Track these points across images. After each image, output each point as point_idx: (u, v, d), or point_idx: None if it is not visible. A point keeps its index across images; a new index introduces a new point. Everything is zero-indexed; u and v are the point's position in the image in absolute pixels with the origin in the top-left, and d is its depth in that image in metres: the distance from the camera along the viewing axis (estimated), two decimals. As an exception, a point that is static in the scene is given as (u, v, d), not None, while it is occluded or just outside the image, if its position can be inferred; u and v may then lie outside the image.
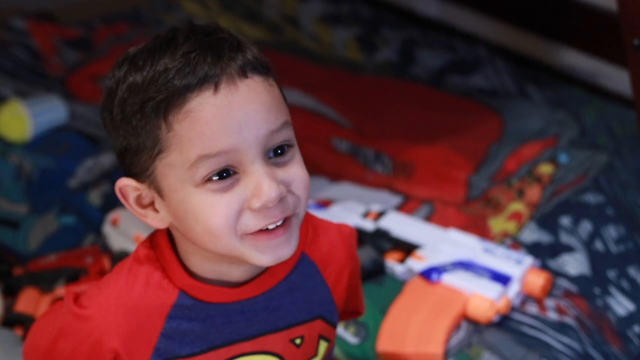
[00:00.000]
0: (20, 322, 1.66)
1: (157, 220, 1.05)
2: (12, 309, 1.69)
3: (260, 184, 0.98)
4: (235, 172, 0.99)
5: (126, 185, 1.04)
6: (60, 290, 1.72)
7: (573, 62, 2.44)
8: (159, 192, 1.02)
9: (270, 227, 1.00)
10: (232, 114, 0.97)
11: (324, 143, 2.20)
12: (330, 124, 2.28)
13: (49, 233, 1.93)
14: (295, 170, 1.02)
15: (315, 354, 1.15)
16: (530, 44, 2.54)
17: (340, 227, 1.19)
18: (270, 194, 0.98)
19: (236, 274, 1.07)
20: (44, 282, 1.73)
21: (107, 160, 2.12)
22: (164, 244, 1.07)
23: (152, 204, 1.04)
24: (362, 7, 2.81)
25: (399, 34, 2.65)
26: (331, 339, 1.18)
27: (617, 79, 2.31)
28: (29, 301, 1.69)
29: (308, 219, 1.14)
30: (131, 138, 1.00)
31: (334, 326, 1.17)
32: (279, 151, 1.01)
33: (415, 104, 2.35)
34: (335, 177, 2.09)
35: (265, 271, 1.09)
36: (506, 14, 2.56)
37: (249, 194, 0.99)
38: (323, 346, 1.16)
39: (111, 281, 1.07)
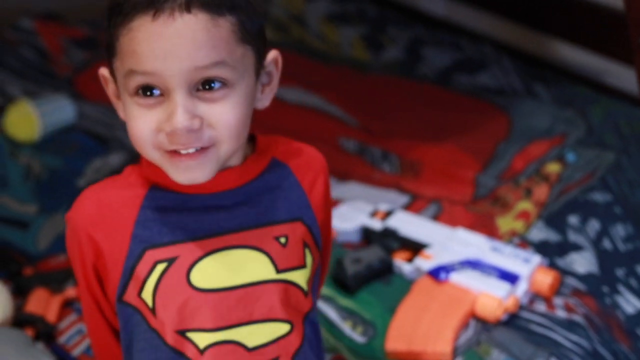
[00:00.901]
0: (30, 322, 1.67)
1: (121, 111, 1.14)
2: (22, 309, 1.69)
3: (174, 111, 1.06)
4: (161, 94, 1.07)
5: (105, 75, 1.15)
6: (71, 290, 1.73)
7: (580, 61, 2.44)
8: (117, 89, 1.13)
9: (182, 151, 1.07)
10: (161, 42, 1.05)
11: (331, 142, 2.21)
12: (337, 123, 2.28)
13: (58, 233, 1.94)
14: (220, 109, 1.07)
15: (304, 264, 1.20)
16: (537, 42, 2.54)
17: (313, 149, 1.25)
18: (179, 123, 1.05)
19: None
20: (54, 282, 1.74)
21: (115, 160, 2.12)
22: (142, 160, 1.16)
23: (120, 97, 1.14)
24: (368, 6, 2.82)
25: (406, 32, 2.66)
26: (314, 257, 1.21)
27: (624, 77, 2.31)
28: (39, 301, 1.70)
29: (284, 141, 1.22)
30: (105, 36, 1.11)
31: (316, 240, 1.21)
32: (207, 86, 1.07)
33: (422, 103, 2.35)
34: (343, 176, 2.09)
35: (237, 167, 1.15)
36: (512, 13, 2.56)
37: (165, 116, 1.07)
38: (309, 258, 1.20)
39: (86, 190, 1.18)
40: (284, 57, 1.19)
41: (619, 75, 2.34)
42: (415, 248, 1.81)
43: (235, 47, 1.08)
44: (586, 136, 2.16)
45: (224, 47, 1.07)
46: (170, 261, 1.13)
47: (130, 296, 1.14)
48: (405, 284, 1.76)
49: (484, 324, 1.69)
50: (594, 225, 1.90)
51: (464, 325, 1.68)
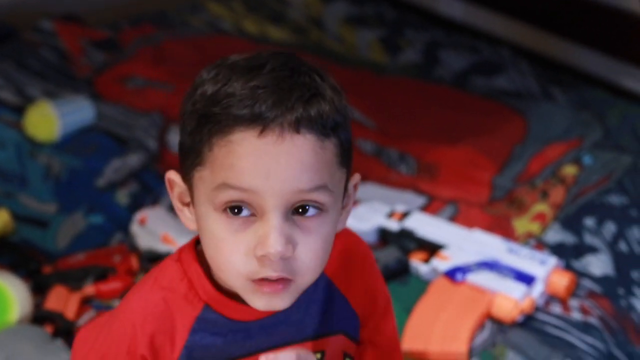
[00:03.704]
0: (49, 319, 1.68)
1: (190, 220, 1.07)
2: (41, 306, 1.71)
3: (268, 234, 0.99)
4: (252, 214, 1.00)
5: (173, 179, 1.07)
6: (89, 288, 1.74)
7: (597, 64, 2.44)
8: (192, 199, 1.05)
9: (271, 278, 1.01)
10: (266, 160, 0.98)
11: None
12: (355, 124, 2.29)
13: (77, 232, 1.95)
14: (313, 239, 1.01)
15: None
16: (553, 45, 2.54)
17: (353, 237, 1.18)
18: (273, 248, 0.98)
19: None
20: (73, 280, 1.75)
21: (134, 160, 2.13)
22: (191, 257, 1.09)
23: (189, 204, 1.07)
24: (386, 8, 2.83)
25: (423, 35, 2.66)
26: (355, 357, 1.17)
27: (641, 80, 2.32)
28: (58, 299, 1.71)
29: None
30: (187, 138, 1.03)
31: (357, 342, 1.17)
32: (305, 208, 1.00)
33: (439, 105, 2.36)
34: (360, 177, 2.10)
35: None
36: (529, 16, 2.56)
37: (257, 241, 1.00)
38: None
39: (138, 289, 1.09)
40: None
41: (636, 78, 2.34)
42: (431, 249, 1.82)
43: (336, 171, 1.02)
44: (603, 139, 2.17)
45: (327, 170, 1.00)
46: None
47: None
48: (422, 285, 1.77)
49: (500, 325, 1.69)
50: (610, 228, 1.91)
51: (480, 326, 1.69)
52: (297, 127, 0.98)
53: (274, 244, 0.98)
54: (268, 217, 0.99)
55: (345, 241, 1.15)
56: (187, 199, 1.07)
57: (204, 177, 1.01)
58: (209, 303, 1.07)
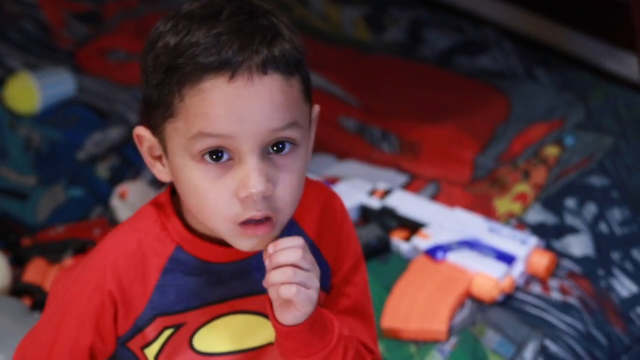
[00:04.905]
0: (28, 292, 1.68)
1: (163, 173, 1.09)
2: (20, 279, 1.70)
3: (248, 176, 1.01)
4: (230, 158, 1.02)
5: (142, 134, 1.09)
6: (68, 261, 1.73)
7: (580, 45, 2.44)
8: (165, 151, 1.07)
9: (255, 218, 1.03)
10: (238, 104, 1.00)
11: (332, 121, 2.21)
12: (338, 102, 2.28)
13: (57, 205, 1.94)
14: (288, 175, 1.04)
15: None
16: (537, 26, 2.54)
17: (319, 189, 1.19)
18: (254, 187, 1.01)
19: None
20: (52, 253, 1.75)
21: (115, 133, 2.12)
22: (165, 200, 1.11)
23: (160, 157, 1.09)
24: (371, -14, 2.81)
25: (408, 14, 2.65)
26: (325, 306, 1.18)
27: (624, 62, 2.31)
28: (37, 271, 1.71)
29: None
30: (153, 91, 1.05)
31: (327, 291, 1.18)
32: (279, 146, 1.03)
33: (422, 84, 2.35)
34: (342, 155, 2.10)
35: None
36: (515, -4, 2.55)
37: (238, 184, 1.02)
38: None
39: (114, 231, 1.13)
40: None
41: (619, 60, 2.35)
42: (413, 227, 1.82)
43: (302, 106, 1.05)
44: (585, 120, 2.17)
45: (296, 107, 1.04)
46: (177, 327, 1.11)
47: (133, 345, 1.12)
48: (403, 263, 1.77)
49: (480, 304, 1.70)
50: (590, 209, 1.91)
51: (460, 305, 1.69)
52: (264, 68, 1.01)
53: (255, 184, 1.01)
54: (246, 160, 1.02)
55: (319, 194, 1.18)
56: (158, 152, 1.08)
57: (177, 128, 1.03)
58: (180, 244, 1.10)
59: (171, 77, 1.02)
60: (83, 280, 1.11)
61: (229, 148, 1.02)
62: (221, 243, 1.09)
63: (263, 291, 1.08)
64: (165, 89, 1.03)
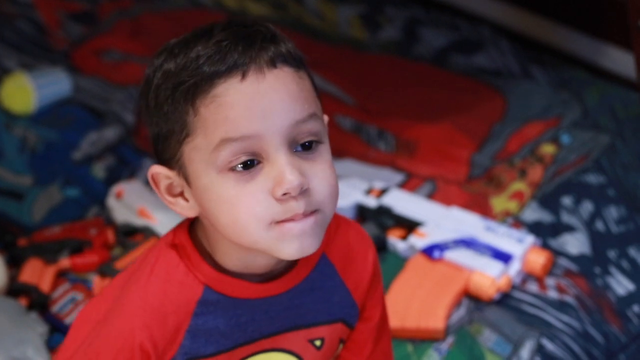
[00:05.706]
0: (24, 292, 1.68)
1: (187, 208, 1.05)
2: (16, 279, 1.70)
3: (283, 171, 0.98)
4: (259, 162, 0.99)
5: (158, 172, 1.04)
6: (65, 261, 1.73)
7: (576, 44, 2.44)
8: (187, 179, 1.03)
9: (299, 213, 0.99)
10: (257, 100, 0.98)
11: (328, 120, 2.21)
12: (334, 101, 2.28)
13: (53, 205, 1.94)
14: (320, 168, 1.01)
15: (332, 357, 1.16)
16: (533, 25, 2.54)
17: (358, 228, 1.17)
18: (290, 182, 0.97)
19: (262, 262, 1.05)
20: (48, 253, 1.75)
21: (111, 133, 2.12)
22: (184, 240, 1.07)
23: (181, 193, 1.05)
24: (367, -15, 2.81)
25: (403, 12, 2.65)
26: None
27: (620, 60, 2.32)
28: (33, 271, 1.70)
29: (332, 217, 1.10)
30: (162, 124, 1.02)
31: (352, 329, 1.17)
32: (307, 144, 1.01)
33: (418, 83, 2.35)
34: (338, 154, 2.09)
35: (288, 268, 1.08)
36: (510, -5, 2.56)
37: (272, 183, 0.99)
38: (340, 349, 1.17)
39: (134, 282, 1.07)
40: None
41: (615, 58, 2.35)
42: (409, 226, 1.82)
43: (316, 100, 1.04)
44: (581, 119, 2.17)
45: (312, 99, 1.02)
46: None
47: None
48: (399, 262, 1.77)
49: (477, 303, 1.70)
50: (587, 207, 1.91)
51: (457, 304, 1.69)
52: (273, 63, 0.99)
53: (291, 179, 0.98)
54: (276, 157, 0.98)
55: (349, 233, 1.15)
56: (178, 188, 1.04)
57: (197, 145, 1.00)
58: (208, 284, 1.05)
59: (180, 96, 1.00)
60: (108, 339, 1.05)
61: (256, 151, 0.98)
62: (250, 279, 1.06)
63: (292, 328, 1.08)
64: (176, 112, 1.00)
